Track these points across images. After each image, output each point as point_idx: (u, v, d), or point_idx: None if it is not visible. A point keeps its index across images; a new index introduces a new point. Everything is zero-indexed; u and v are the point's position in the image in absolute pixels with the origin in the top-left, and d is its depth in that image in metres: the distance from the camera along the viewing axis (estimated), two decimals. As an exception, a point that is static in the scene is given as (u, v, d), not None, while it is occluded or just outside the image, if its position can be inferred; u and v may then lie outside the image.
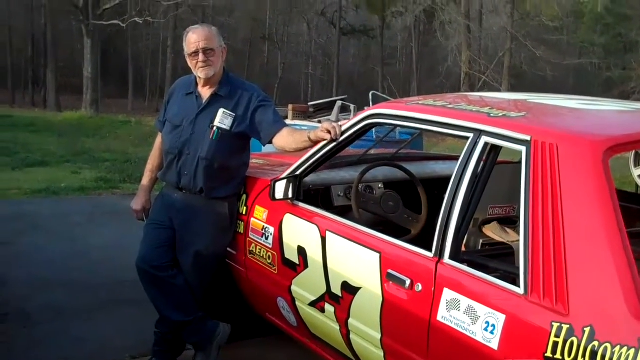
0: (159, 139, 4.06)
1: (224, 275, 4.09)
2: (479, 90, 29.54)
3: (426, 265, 2.78)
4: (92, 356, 4.14)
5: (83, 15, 22.78)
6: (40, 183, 9.55)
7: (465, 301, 2.57)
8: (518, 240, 2.68)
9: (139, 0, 26.52)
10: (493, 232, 3.20)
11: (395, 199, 3.72)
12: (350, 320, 3.15)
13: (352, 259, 3.16)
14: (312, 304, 3.40)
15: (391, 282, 2.89)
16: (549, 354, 2.25)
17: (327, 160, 3.71)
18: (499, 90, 28.85)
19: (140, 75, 43.04)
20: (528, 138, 2.59)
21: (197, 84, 3.86)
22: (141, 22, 22.87)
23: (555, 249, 2.35)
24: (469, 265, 2.67)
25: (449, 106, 3.16)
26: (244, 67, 41.18)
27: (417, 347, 2.78)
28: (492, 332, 2.45)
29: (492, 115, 2.87)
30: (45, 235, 6.73)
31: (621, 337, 2.10)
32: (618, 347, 2.09)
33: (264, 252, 3.72)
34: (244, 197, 3.96)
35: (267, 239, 3.70)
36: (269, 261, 3.68)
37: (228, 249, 3.99)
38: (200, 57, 3.72)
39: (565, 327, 2.23)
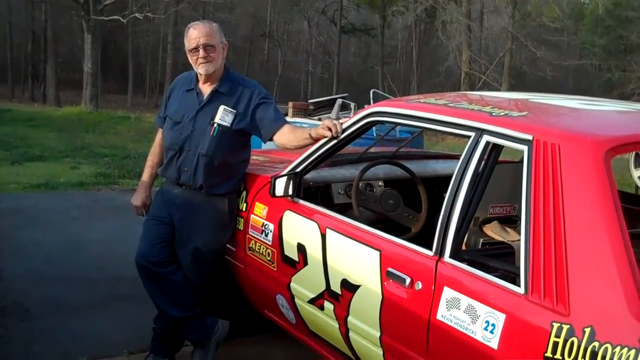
0: (159, 135, 4.05)
1: (223, 272, 4.08)
2: (479, 90, 29.58)
3: (426, 264, 2.77)
4: (90, 351, 4.12)
5: (84, 11, 22.76)
6: (39, 178, 9.54)
7: (465, 300, 2.57)
8: (518, 240, 2.68)
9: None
10: (493, 231, 3.19)
11: (396, 197, 3.71)
12: (350, 318, 3.15)
13: (352, 257, 3.15)
14: (312, 302, 3.39)
15: (391, 280, 2.88)
16: (548, 354, 2.24)
17: (328, 158, 3.71)
18: (499, 90, 28.86)
19: (140, 71, 43.06)
20: (530, 137, 2.58)
21: (197, 81, 3.85)
22: (141, 17, 22.84)
23: (556, 248, 2.34)
24: (469, 264, 2.66)
25: (451, 105, 3.15)
26: (244, 64, 41.19)
27: (417, 346, 2.77)
28: (492, 332, 2.44)
29: (493, 114, 2.86)
30: (43, 229, 6.72)
31: (622, 337, 2.09)
32: (618, 347, 2.08)
33: (263, 248, 3.72)
34: (244, 193, 3.95)
35: (266, 235, 3.70)
36: (269, 258, 3.68)
37: (227, 246, 3.99)
38: (201, 53, 3.71)
39: (565, 327, 2.22)
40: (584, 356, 2.15)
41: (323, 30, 43.66)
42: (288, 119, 8.90)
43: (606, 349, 2.10)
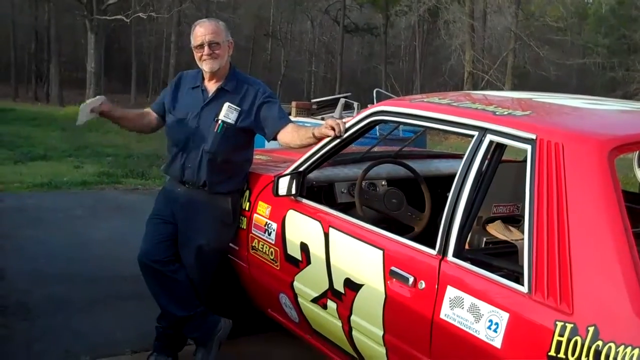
0: (147, 110, 4.05)
1: (226, 271, 4.08)
2: (482, 90, 29.57)
3: (430, 263, 2.77)
4: (92, 350, 4.13)
5: (87, 10, 22.79)
6: (42, 177, 9.55)
7: (468, 299, 2.56)
8: (521, 239, 2.68)
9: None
10: (497, 230, 3.19)
11: (399, 197, 3.71)
12: (353, 317, 3.15)
13: (355, 256, 3.15)
14: (315, 300, 3.39)
15: (394, 279, 2.88)
16: (552, 353, 2.24)
17: (331, 157, 3.71)
18: (502, 90, 28.85)
19: (143, 70, 43.09)
20: (534, 137, 2.58)
21: (203, 78, 3.86)
22: (145, 17, 22.85)
23: (560, 247, 2.34)
24: (472, 263, 2.66)
25: (454, 104, 3.14)
26: (247, 63, 41.19)
27: (420, 345, 2.77)
28: (495, 331, 2.44)
29: (497, 113, 2.86)
30: (46, 228, 6.73)
31: (625, 336, 2.09)
32: (622, 346, 2.08)
33: (266, 248, 3.72)
34: (247, 192, 3.95)
35: (269, 234, 3.70)
36: (272, 257, 3.68)
37: (230, 245, 3.99)
38: (206, 50, 3.72)
39: (569, 326, 2.22)
40: (587, 355, 2.14)
41: (326, 30, 43.68)
42: (292, 118, 8.94)
43: (610, 347, 2.10)
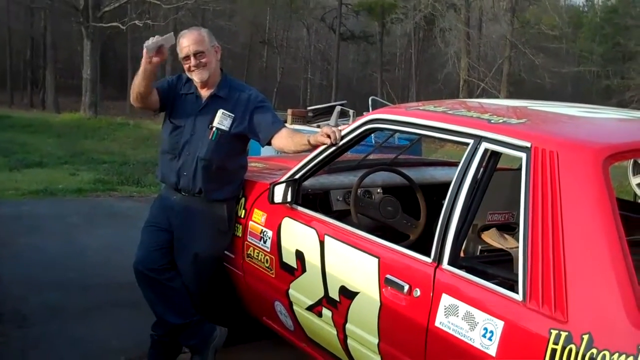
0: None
1: (222, 279, 4.08)
2: (477, 98, 29.64)
3: (425, 271, 2.77)
4: (88, 357, 4.12)
5: (83, 17, 22.79)
6: (38, 184, 9.53)
7: (463, 307, 2.57)
8: (516, 247, 2.68)
9: (139, 3, 26.49)
10: (492, 238, 3.19)
11: (394, 204, 3.72)
12: (348, 325, 3.15)
13: (350, 264, 3.15)
14: (310, 308, 3.39)
15: (389, 287, 2.88)
16: (547, 361, 2.24)
17: (327, 165, 3.71)
18: (497, 98, 28.92)
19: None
20: (528, 145, 2.59)
21: (196, 86, 3.86)
22: (141, 25, 22.85)
23: (555, 255, 2.34)
24: (467, 271, 2.66)
25: (449, 112, 3.15)
26: (243, 71, 41.22)
27: (415, 353, 2.77)
28: (490, 339, 2.44)
29: (492, 121, 2.87)
30: (42, 236, 6.72)
31: (620, 344, 2.09)
32: (617, 354, 2.08)
33: (262, 255, 3.72)
34: (243, 200, 3.95)
35: (265, 242, 3.70)
36: (267, 265, 3.67)
37: (226, 252, 3.98)
38: (192, 61, 3.74)
39: (563, 334, 2.22)
40: (582, 363, 2.15)
41: (322, 37, 43.73)
42: (287, 126, 8.95)
43: (604, 355, 2.10)
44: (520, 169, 2.63)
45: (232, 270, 4.02)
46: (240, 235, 3.91)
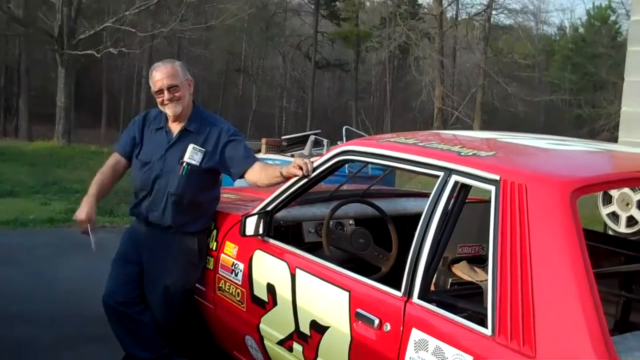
0: (113, 158, 3.96)
1: (192, 312, 4.04)
2: (451, 125, 29.87)
3: (395, 305, 2.76)
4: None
5: (58, 45, 22.68)
6: (9, 214, 9.40)
7: (433, 342, 2.56)
8: (486, 280, 2.68)
9: (115, 30, 26.43)
10: (462, 271, 3.20)
11: (366, 236, 3.71)
12: (319, 360, 3.12)
13: (322, 297, 3.13)
14: (281, 343, 3.36)
15: (360, 322, 2.87)
16: (516, 397, 2.23)
17: (299, 197, 3.71)
18: (471, 126, 29.20)
19: (113, 104, 42.90)
20: (497, 178, 2.60)
21: (167, 119, 3.84)
22: (116, 52, 22.81)
23: (523, 289, 2.34)
24: (437, 305, 2.66)
25: (420, 144, 3.16)
26: (219, 99, 41.24)
27: (386, 388, 2.75)
28: (460, 374, 2.43)
29: (462, 154, 2.88)
30: (11, 267, 6.61)
31: (588, 379, 2.10)
32: (585, 389, 2.08)
33: (233, 288, 3.69)
34: (215, 232, 3.93)
35: (236, 275, 3.67)
36: (238, 298, 3.64)
37: (197, 285, 3.95)
38: (166, 95, 3.72)
39: (532, 369, 2.22)
40: (551, 399, 2.14)
41: (297, 65, 43.90)
42: (261, 155, 8.97)
43: (573, 391, 2.10)
44: (489, 201, 2.64)
45: (203, 303, 3.98)
46: (211, 267, 3.88)
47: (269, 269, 3.50)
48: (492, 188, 2.60)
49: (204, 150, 3.74)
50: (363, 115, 35.02)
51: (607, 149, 3.32)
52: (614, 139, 6.53)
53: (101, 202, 9.98)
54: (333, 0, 41.07)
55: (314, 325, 3.12)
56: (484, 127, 31.14)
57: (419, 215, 2.91)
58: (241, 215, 3.67)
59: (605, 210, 5.73)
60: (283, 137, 11.01)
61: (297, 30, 43.52)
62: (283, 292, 3.34)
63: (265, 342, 3.48)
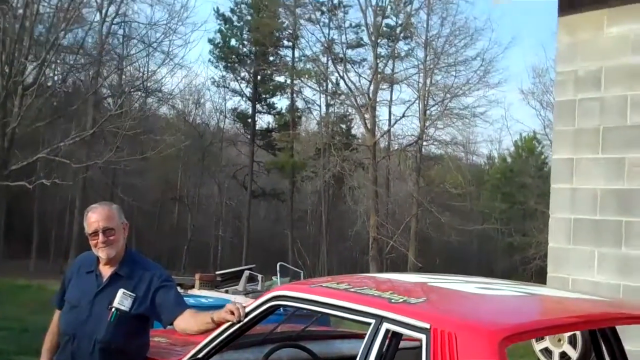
0: (56, 316, 3.92)
1: None
2: (387, 255, 30.16)
3: None
4: None
5: (-11, 176, 22.44)
6: None
7: None
8: None
9: (49, 161, 26.32)
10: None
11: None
12: None
13: None
14: None
15: None
16: None
17: (232, 342, 3.65)
18: (405, 255, 29.53)
19: (45, 234, 42.06)
20: (427, 326, 2.63)
21: (98, 262, 3.80)
22: (48, 183, 22.64)
23: None
24: None
25: (352, 290, 3.19)
26: (154, 228, 40.89)
27: None
28: None
29: (392, 301, 2.91)
30: None
31: None
32: None
33: None
34: (144, 380, 3.81)
35: None
36: None
37: None
38: (100, 237, 3.69)
39: None
40: None
41: (233, 194, 44.11)
42: (195, 291, 8.86)
43: None
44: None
45: None
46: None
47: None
48: (423, 337, 2.62)
49: (134, 295, 3.68)
50: (299, 244, 35.15)
51: (536, 293, 3.40)
52: (545, 268, 6.70)
53: (28, 339, 9.65)
54: (269, 131, 41.99)
55: None
56: (419, 255, 31.53)
57: (354, 358, 2.90)
58: (172, 362, 3.59)
59: (538, 346, 5.80)
60: (217, 273, 10.94)
61: (233, 159, 44.04)
62: None
63: None
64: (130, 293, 3.68)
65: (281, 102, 42.22)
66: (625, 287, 5.77)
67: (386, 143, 34.64)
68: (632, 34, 5.62)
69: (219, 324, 3.52)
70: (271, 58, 40.51)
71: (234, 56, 40.80)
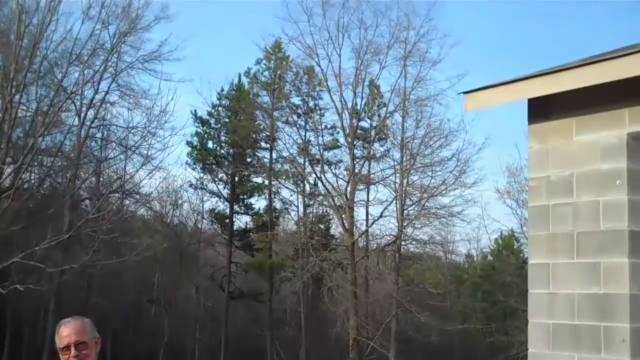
0: None
1: None
2: (367, 356, 29.66)
3: None
4: None
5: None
6: None
7: None
8: None
9: (23, 265, 25.90)
10: None
11: None
12: None
13: None
14: None
15: None
16: None
17: None
18: (386, 357, 29.07)
19: (18, 336, 41.04)
20: None
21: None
22: (22, 289, 22.23)
23: None
24: None
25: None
26: (129, 330, 40.08)
27: None
28: None
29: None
30: None
31: None
32: None
33: None
34: None
35: None
36: None
37: None
38: (72, 352, 3.60)
39: None
40: None
41: (211, 296, 43.55)
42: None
43: None
44: None
45: None
46: None
47: None
48: None
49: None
50: (278, 346, 34.52)
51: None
52: (528, 369, 6.56)
53: None
54: (246, 232, 41.88)
55: None
56: (400, 357, 31.02)
57: None
58: None
59: None
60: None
61: (210, 260, 43.73)
62: None
63: None
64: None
65: (259, 203, 42.39)
66: (606, 396, 5.65)
67: (365, 243, 34.59)
68: (601, 140, 5.70)
69: None
70: (249, 159, 40.85)
71: (211, 158, 41.09)
